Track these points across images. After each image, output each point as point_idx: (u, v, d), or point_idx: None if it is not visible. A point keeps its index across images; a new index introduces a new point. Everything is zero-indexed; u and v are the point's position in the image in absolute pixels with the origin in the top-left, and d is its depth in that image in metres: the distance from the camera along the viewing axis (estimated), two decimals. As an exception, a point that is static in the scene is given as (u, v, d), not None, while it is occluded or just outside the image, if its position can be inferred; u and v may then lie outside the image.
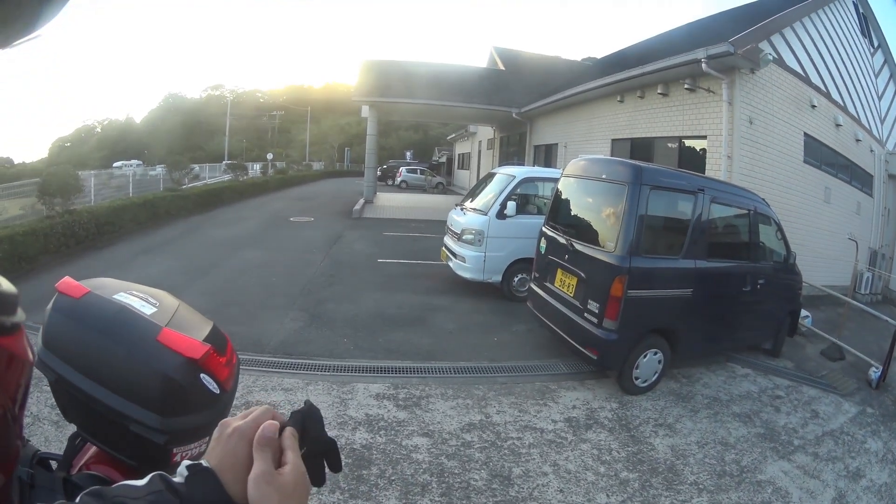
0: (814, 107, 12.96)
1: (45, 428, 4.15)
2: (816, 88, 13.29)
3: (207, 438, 1.21)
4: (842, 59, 15.06)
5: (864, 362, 8.02)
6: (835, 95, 14.35)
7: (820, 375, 7.66)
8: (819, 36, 13.79)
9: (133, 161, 51.35)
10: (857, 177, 16.09)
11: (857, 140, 15.53)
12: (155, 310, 1.23)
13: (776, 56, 11.35)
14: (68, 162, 36.63)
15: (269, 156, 47.81)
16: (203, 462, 0.73)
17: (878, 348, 8.34)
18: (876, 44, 18.79)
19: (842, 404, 6.71)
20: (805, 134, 12.83)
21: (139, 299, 1.24)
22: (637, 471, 4.46)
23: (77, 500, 0.67)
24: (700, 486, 4.39)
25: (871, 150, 16.87)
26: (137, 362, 1.12)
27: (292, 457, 0.73)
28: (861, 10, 17.57)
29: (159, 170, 24.37)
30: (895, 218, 18.44)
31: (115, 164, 45.07)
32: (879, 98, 18.43)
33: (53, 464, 1.21)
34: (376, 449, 4.27)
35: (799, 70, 12.64)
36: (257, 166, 40.43)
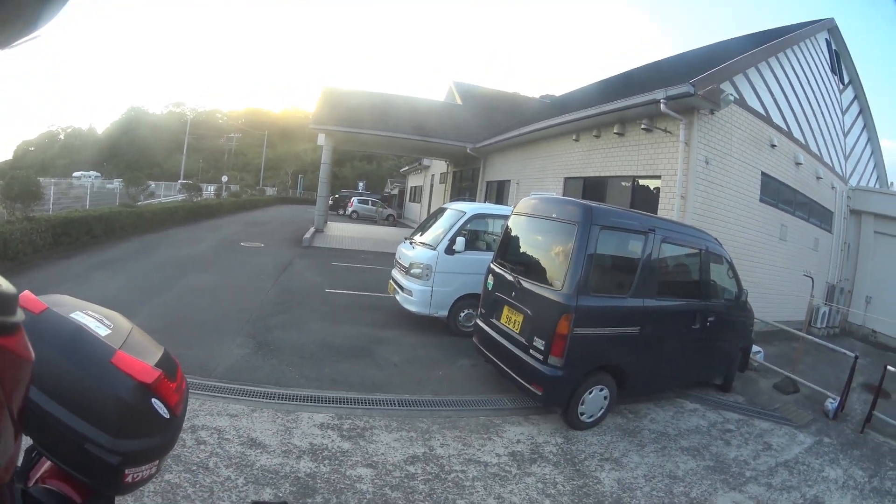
0: (773, 146, 13.32)
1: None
2: (777, 128, 13.68)
3: (158, 462, 1.28)
4: (807, 97, 15.54)
5: (819, 394, 8.25)
6: (796, 134, 14.77)
7: (773, 408, 7.86)
8: (785, 75, 14.23)
9: (92, 172, 50.69)
10: (816, 213, 16.53)
11: (818, 178, 16.00)
12: (109, 332, 1.26)
13: (737, 96, 11.64)
14: (31, 167, 36.19)
15: (224, 178, 47.73)
16: None
17: (835, 380, 8.63)
18: (847, 80, 19.46)
19: (796, 435, 6.89)
20: (763, 173, 13.16)
21: (95, 320, 1.27)
22: None
23: None
24: None
25: (833, 187, 17.38)
26: (92, 383, 1.15)
27: None
28: (834, 48, 18.27)
29: (116, 184, 24.23)
30: (855, 253, 18.90)
31: (74, 175, 44.66)
32: (845, 135, 19.05)
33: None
34: (320, 478, 4.29)
35: (760, 110, 12.98)
36: (212, 188, 40.40)
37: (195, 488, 3.90)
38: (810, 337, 9.83)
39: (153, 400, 1.19)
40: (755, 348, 9.37)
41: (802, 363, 10.08)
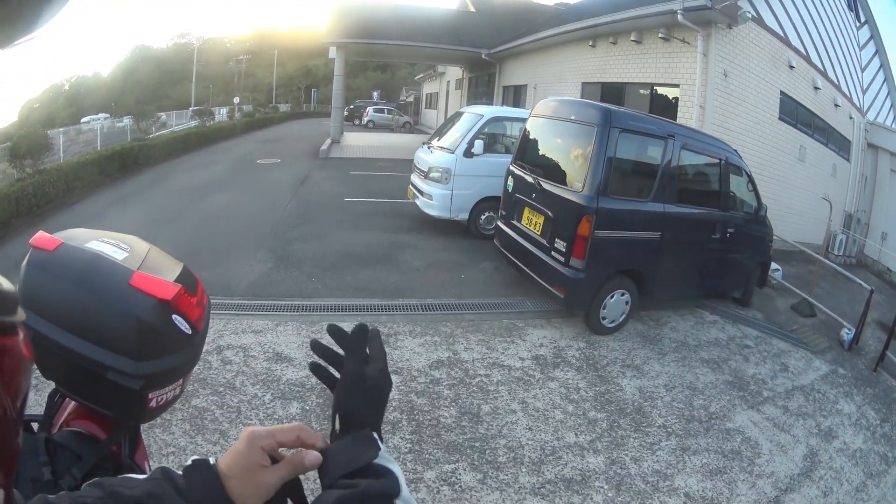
0: (792, 67, 13.05)
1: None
2: (796, 50, 13.38)
3: (181, 381, 1.26)
4: (825, 26, 15.13)
5: (835, 322, 8.11)
6: (815, 59, 14.44)
7: (790, 329, 7.75)
8: (802, 1, 13.85)
9: (100, 115, 49.74)
10: (834, 140, 16.27)
11: (836, 105, 15.68)
12: (126, 255, 1.25)
13: (755, 14, 11.35)
14: (38, 123, 35.59)
15: (236, 100, 46.67)
16: (210, 459, 0.76)
17: (850, 310, 8.43)
18: (863, 19, 18.92)
19: (812, 361, 6.80)
20: (781, 92, 12.93)
21: (111, 246, 1.26)
22: (605, 411, 4.56)
23: (81, 489, 0.71)
24: (668, 429, 4.49)
25: (851, 117, 17.04)
26: (112, 308, 1.14)
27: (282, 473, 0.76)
28: None
29: (126, 121, 23.87)
30: (872, 186, 18.68)
31: (83, 120, 44.01)
32: (862, 70, 18.62)
33: (35, 426, 1.23)
34: None
35: (778, 30, 12.69)
36: (224, 111, 39.51)
37: (222, 410, 3.94)
38: (828, 262, 9.73)
39: (174, 316, 1.18)
40: (773, 265, 9.26)
41: (819, 288, 9.98)
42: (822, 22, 15.04)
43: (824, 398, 5.84)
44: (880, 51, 20.36)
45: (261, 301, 6.02)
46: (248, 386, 4.22)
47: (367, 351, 0.94)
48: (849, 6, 17.50)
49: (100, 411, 1.20)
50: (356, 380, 0.86)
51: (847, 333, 7.69)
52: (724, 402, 5.14)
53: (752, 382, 5.72)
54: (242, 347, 4.81)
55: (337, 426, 0.83)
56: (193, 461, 0.75)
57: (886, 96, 21.62)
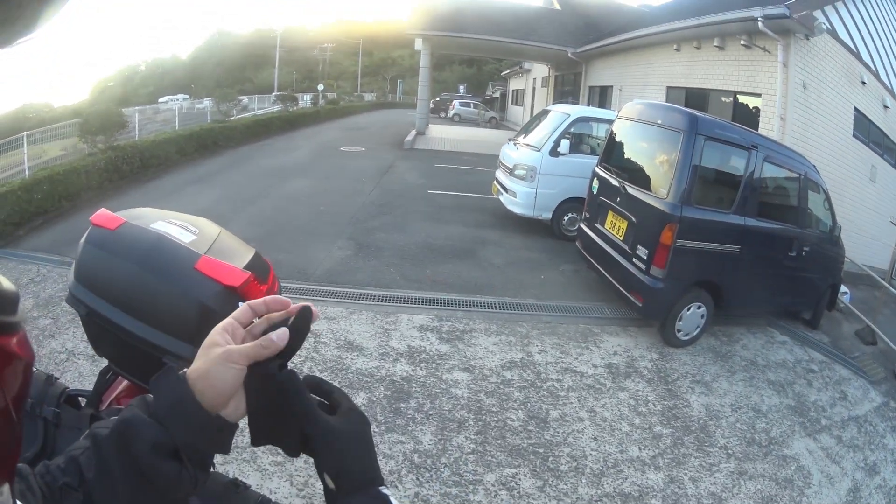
0: (864, 83, 12.60)
1: (80, 363, 4.11)
2: (866, 66, 12.92)
3: None
4: (890, 41, 14.59)
5: (893, 352, 7.69)
6: (883, 76, 13.92)
7: (853, 356, 7.38)
8: (869, 15, 13.32)
9: (179, 95, 50.49)
10: (903, 161, 15.53)
11: (906, 125, 14.92)
12: (194, 237, 1.19)
13: (830, 26, 11.04)
14: (111, 101, 36.47)
15: (320, 87, 46.75)
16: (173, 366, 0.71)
17: None
18: None
19: (869, 391, 6.49)
20: (855, 108, 12.47)
21: (178, 227, 1.20)
22: (671, 426, 4.38)
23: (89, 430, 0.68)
24: (729, 451, 4.30)
25: (920, 142, 16.31)
26: (174, 292, 1.09)
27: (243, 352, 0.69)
28: None
29: (207, 103, 24.31)
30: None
31: (160, 100, 44.89)
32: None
33: (83, 401, 1.23)
34: (416, 382, 4.21)
35: (850, 45, 12.29)
36: (307, 97, 39.52)
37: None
38: (892, 288, 9.29)
39: (240, 304, 1.03)
40: (843, 288, 8.86)
41: (881, 314, 9.61)
42: (889, 36, 14.52)
43: (874, 431, 5.54)
44: None
45: (336, 288, 5.93)
46: (316, 372, 4.11)
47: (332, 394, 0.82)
48: None
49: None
50: (328, 439, 0.73)
51: None
52: (785, 428, 4.89)
53: (813, 409, 5.45)
54: (314, 333, 4.68)
55: (330, 484, 0.71)
56: (160, 372, 0.69)
57: None
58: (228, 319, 0.74)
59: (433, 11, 22.62)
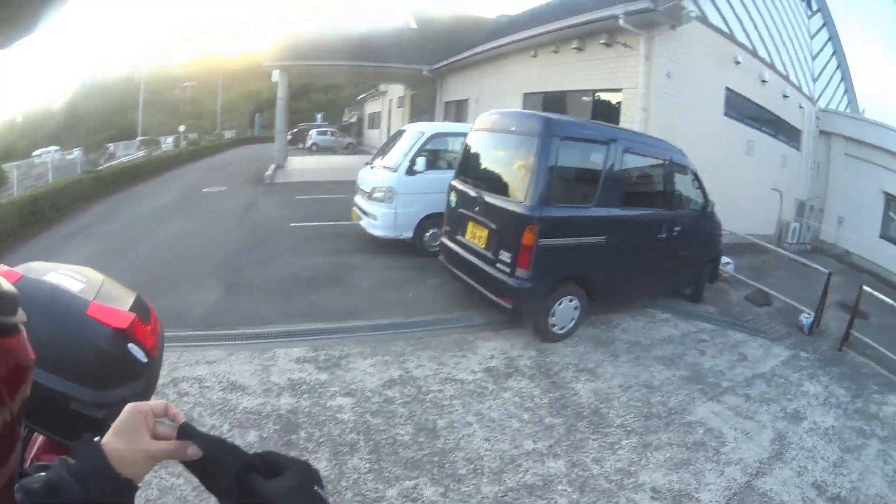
0: (738, 63, 13.38)
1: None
2: (742, 45, 13.74)
3: None
4: (773, 19, 15.57)
5: (793, 308, 8.36)
6: (762, 53, 14.84)
7: (746, 320, 7.99)
8: None
9: (51, 148, 49.11)
10: (784, 131, 16.75)
11: (785, 96, 16.16)
12: (83, 285, 1.30)
13: (700, 13, 11.59)
14: None
15: (181, 128, 46.53)
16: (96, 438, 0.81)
17: (808, 295, 8.61)
18: (815, 8, 19.50)
19: (771, 348, 7.03)
20: (727, 88, 13.28)
21: (68, 277, 1.31)
22: (561, 416, 4.65)
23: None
24: (627, 427, 4.61)
25: (801, 107, 17.56)
26: (71, 338, 1.18)
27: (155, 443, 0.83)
28: None
29: (77, 153, 23.78)
30: (826, 172, 19.19)
31: (34, 153, 43.31)
32: (813, 58, 19.15)
33: None
34: (302, 413, 4.35)
35: (724, 27, 13.00)
36: (170, 139, 39.41)
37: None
38: (781, 251, 10.02)
39: (130, 345, 1.23)
40: (725, 259, 9.52)
41: (774, 277, 10.25)
42: (771, 15, 15.45)
43: (787, 382, 6.05)
44: (833, 38, 21.02)
45: (213, 331, 5.98)
46: (206, 417, 4.23)
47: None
48: None
49: (67, 444, 1.18)
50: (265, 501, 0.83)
51: (806, 318, 7.98)
52: (683, 397, 5.29)
53: (710, 375, 5.89)
54: (197, 379, 4.80)
55: None
56: (80, 440, 0.79)
57: (840, 82, 22.36)
58: (147, 407, 0.84)
59: (292, 41, 23.33)
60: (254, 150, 38.29)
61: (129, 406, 0.83)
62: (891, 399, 6.43)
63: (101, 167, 19.78)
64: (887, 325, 9.64)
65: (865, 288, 7.80)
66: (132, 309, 1.33)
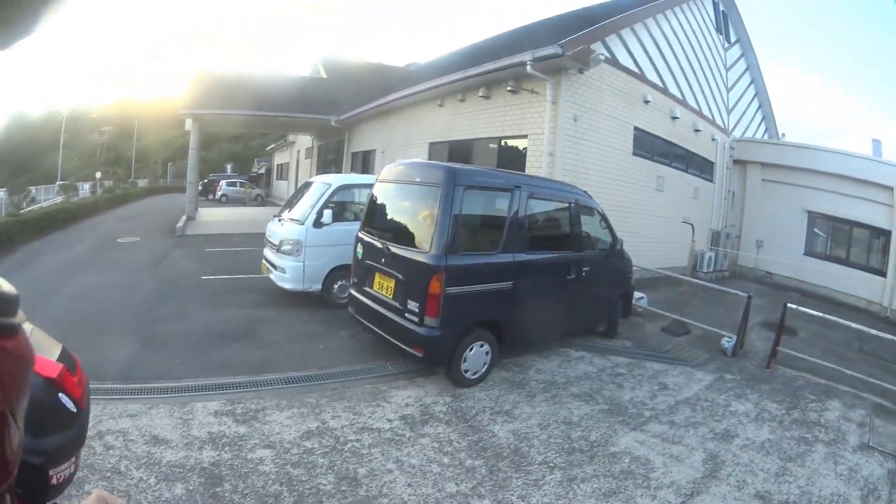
0: (647, 102, 13.89)
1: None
2: (652, 84, 14.30)
3: (75, 459, 1.35)
4: (686, 55, 16.30)
5: (713, 334, 8.75)
6: (673, 90, 15.47)
7: (664, 350, 8.30)
8: (662, 34, 14.88)
9: None
10: (696, 164, 17.41)
11: (697, 130, 16.81)
12: None
13: (609, 56, 12.09)
14: None
15: (98, 174, 46.41)
16: None
17: (730, 320, 9.09)
18: (733, 39, 20.44)
19: (693, 374, 7.33)
20: (636, 128, 13.75)
21: None
22: (482, 457, 4.74)
23: None
24: (550, 464, 4.72)
25: (713, 139, 18.34)
26: None
27: None
28: (722, 8, 19.27)
29: (1, 194, 23.27)
30: (741, 200, 20.04)
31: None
32: (728, 90, 20.01)
33: None
34: (224, 465, 4.38)
35: (634, 68, 13.50)
36: (87, 186, 39.32)
37: (114, 495, 3.91)
38: (696, 280, 10.40)
39: (59, 395, 1.26)
40: (637, 294, 9.89)
41: (692, 306, 10.61)
42: (685, 51, 16.18)
43: (713, 405, 6.31)
44: (752, 66, 22.07)
45: (132, 385, 5.92)
46: (133, 470, 4.22)
47: None
48: (717, 29, 18.88)
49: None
50: None
51: (728, 341, 8.35)
52: (604, 430, 5.46)
53: (631, 406, 6.10)
54: (121, 432, 4.79)
55: None
56: None
57: (758, 109, 23.37)
58: (113, 500, 0.89)
59: (204, 88, 23.46)
60: (166, 200, 38.46)
61: (96, 492, 0.90)
62: (831, 404, 6.83)
63: (24, 210, 19.74)
64: (818, 335, 10.23)
65: (790, 305, 8.16)
66: (60, 359, 1.35)
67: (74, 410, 1.31)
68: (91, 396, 1.26)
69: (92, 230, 20.30)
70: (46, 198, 28.61)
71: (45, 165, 65.88)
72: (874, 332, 7.62)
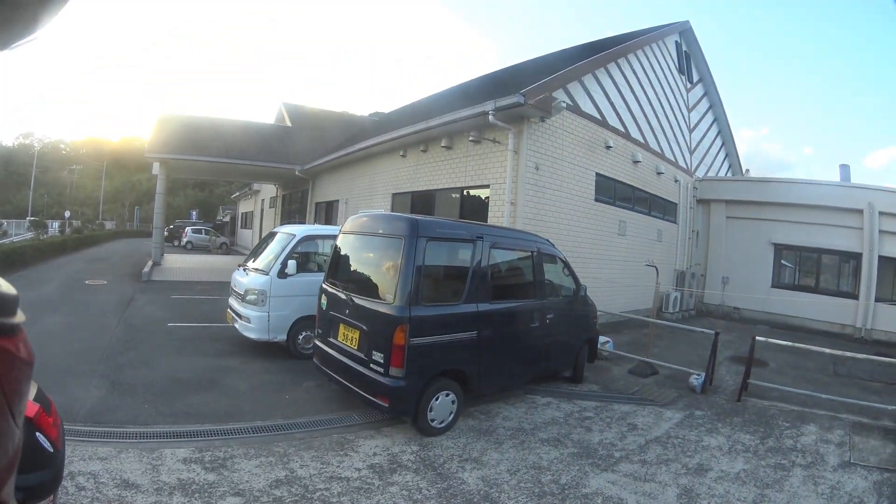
0: (609, 147, 14.10)
1: None
2: (614, 129, 14.54)
3: (52, 498, 1.37)
4: (648, 99, 16.63)
5: (681, 373, 8.90)
6: (635, 134, 15.76)
7: (631, 392, 8.40)
8: (624, 79, 15.18)
9: None
10: (658, 207, 17.69)
11: (659, 172, 17.10)
12: None
13: (570, 103, 12.35)
14: None
15: (67, 213, 47.11)
16: None
17: (697, 358, 9.27)
18: (695, 79, 20.88)
19: (663, 413, 7.44)
20: (597, 174, 13.93)
21: None
22: None
23: None
24: None
25: (676, 180, 18.65)
26: None
27: None
28: (684, 49, 19.70)
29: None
30: (706, 239, 20.38)
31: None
32: (691, 130, 20.43)
33: None
34: None
35: (595, 114, 13.72)
36: (56, 224, 39.79)
37: None
38: (661, 321, 10.60)
39: (37, 434, 1.32)
40: (602, 338, 10.04)
41: (658, 347, 10.81)
42: (647, 95, 16.51)
43: (684, 441, 6.42)
44: (715, 105, 22.54)
45: (101, 428, 5.94)
46: None
47: None
48: (679, 70, 19.32)
49: None
50: None
51: (696, 379, 8.49)
52: (575, 472, 5.51)
53: (601, 448, 6.18)
54: (92, 474, 4.81)
55: None
56: None
57: (721, 147, 23.88)
58: None
59: (170, 133, 23.62)
60: (132, 245, 39.04)
61: None
62: (806, 429, 7.00)
63: (-2, 243, 19.74)
64: (789, 364, 10.45)
65: (759, 338, 8.33)
66: (36, 399, 1.40)
67: (51, 451, 1.37)
68: (69, 438, 1.24)
69: (61, 270, 20.50)
70: (17, 232, 28.64)
71: (16, 199, 65.56)
72: (848, 354, 7.90)
